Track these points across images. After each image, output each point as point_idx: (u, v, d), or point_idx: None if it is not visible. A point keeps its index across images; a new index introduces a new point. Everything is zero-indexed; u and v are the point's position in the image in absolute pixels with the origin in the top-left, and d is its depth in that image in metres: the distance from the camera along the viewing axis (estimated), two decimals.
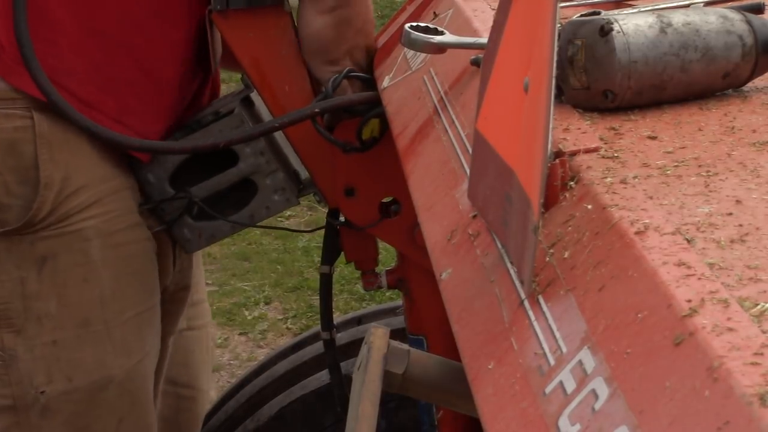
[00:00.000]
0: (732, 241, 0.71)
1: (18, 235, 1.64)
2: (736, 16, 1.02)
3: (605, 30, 0.98)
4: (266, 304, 4.27)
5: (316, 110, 1.62)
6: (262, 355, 3.75)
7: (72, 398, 1.70)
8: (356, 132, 1.70)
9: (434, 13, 1.58)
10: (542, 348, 0.73)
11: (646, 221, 0.74)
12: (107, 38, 1.65)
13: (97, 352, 1.70)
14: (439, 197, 1.10)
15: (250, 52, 1.71)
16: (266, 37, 1.71)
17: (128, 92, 1.68)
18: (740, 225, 0.74)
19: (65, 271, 1.66)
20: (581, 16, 1.03)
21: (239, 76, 1.86)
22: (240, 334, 4.07)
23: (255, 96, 1.80)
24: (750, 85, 1.06)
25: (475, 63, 1.22)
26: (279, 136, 1.81)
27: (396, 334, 1.25)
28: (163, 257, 1.82)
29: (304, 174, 1.83)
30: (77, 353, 1.69)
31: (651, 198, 0.79)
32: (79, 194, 1.65)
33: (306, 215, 4.86)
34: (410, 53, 1.53)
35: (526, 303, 0.78)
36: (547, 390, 0.69)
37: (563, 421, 0.66)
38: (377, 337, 1.18)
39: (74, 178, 1.64)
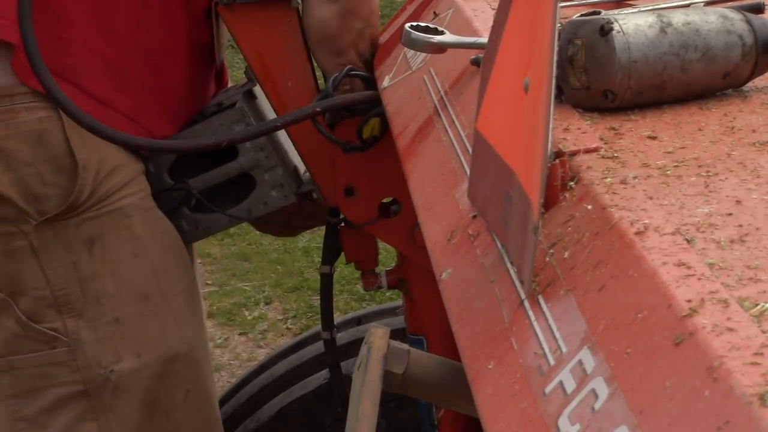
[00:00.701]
0: (732, 241, 0.71)
1: (62, 220, 1.65)
2: (736, 16, 1.02)
3: (605, 30, 0.98)
4: (266, 304, 4.27)
5: (318, 109, 1.62)
6: (262, 355, 3.75)
7: (143, 374, 1.71)
8: (357, 131, 1.70)
9: (434, 13, 1.58)
10: (542, 348, 0.73)
11: (646, 221, 0.74)
12: (118, 37, 1.66)
13: (160, 325, 1.72)
14: (439, 197, 1.10)
15: (254, 46, 1.71)
16: (272, 32, 1.71)
17: (141, 91, 1.69)
18: (740, 225, 0.74)
19: (115, 248, 1.68)
20: (581, 15, 1.03)
21: (243, 70, 1.86)
22: (240, 334, 4.07)
23: (258, 89, 1.80)
24: (750, 85, 1.06)
25: (475, 63, 1.22)
26: (280, 132, 1.81)
27: (396, 334, 1.25)
28: None
29: (303, 171, 1.83)
30: (141, 328, 1.70)
31: (651, 198, 0.79)
32: (114, 174, 1.67)
33: None
34: (410, 53, 1.53)
35: (526, 303, 0.78)
36: (547, 390, 0.69)
37: (563, 421, 0.66)
38: (377, 337, 1.18)
39: (108, 159, 1.66)
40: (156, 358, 1.71)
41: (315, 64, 1.75)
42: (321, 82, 1.78)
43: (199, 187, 1.79)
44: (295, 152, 1.82)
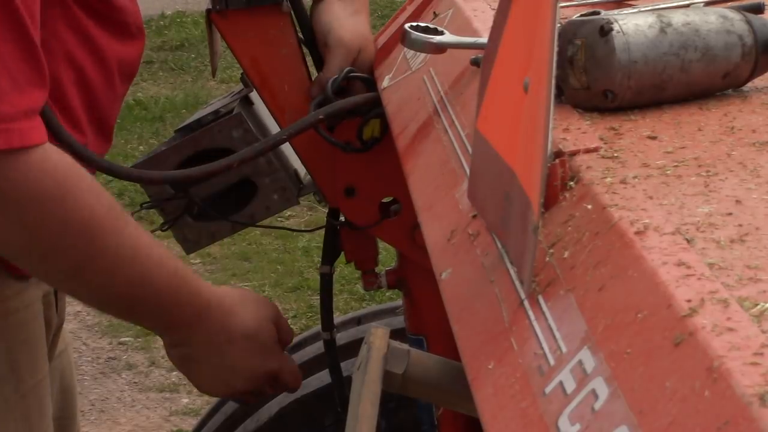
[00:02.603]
0: (732, 241, 0.71)
1: None
2: (735, 16, 1.02)
3: (605, 30, 0.98)
4: None
5: (321, 117, 1.61)
6: None
7: None
8: (357, 132, 1.70)
9: (434, 13, 1.57)
10: (542, 348, 0.73)
11: (646, 221, 0.74)
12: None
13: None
14: (439, 197, 1.10)
15: (249, 52, 1.72)
16: (265, 37, 1.71)
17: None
18: (740, 225, 0.74)
19: None
20: (581, 16, 1.03)
21: (239, 75, 1.86)
22: None
23: (254, 95, 1.80)
24: (750, 85, 1.06)
25: (475, 63, 1.21)
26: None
27: (396, 334, 1.24)
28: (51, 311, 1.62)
29: (304, 174, 1.83)
30: None
31: (651, 198, 0.79)
32: None
33: (306, 215, 4.86)
34: (410, 53, 1.53)
35: (526, 303, 0.78)
36: (547, 390, 0.69)
37: (563, 421, 0.66)
38: (377, 337, 1.18)
39: None
40: None
41: (309, 66, 1.75)
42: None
43: (201, 195, 1.78)
44: (295, 154, 1.82)
